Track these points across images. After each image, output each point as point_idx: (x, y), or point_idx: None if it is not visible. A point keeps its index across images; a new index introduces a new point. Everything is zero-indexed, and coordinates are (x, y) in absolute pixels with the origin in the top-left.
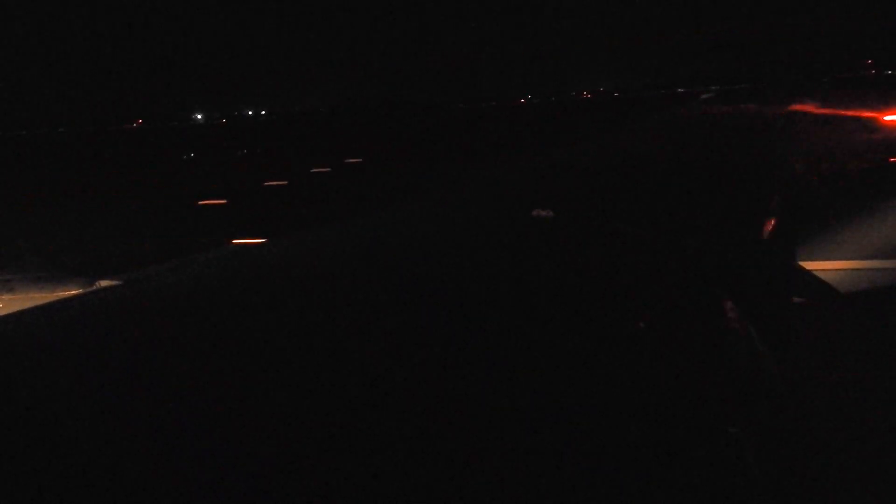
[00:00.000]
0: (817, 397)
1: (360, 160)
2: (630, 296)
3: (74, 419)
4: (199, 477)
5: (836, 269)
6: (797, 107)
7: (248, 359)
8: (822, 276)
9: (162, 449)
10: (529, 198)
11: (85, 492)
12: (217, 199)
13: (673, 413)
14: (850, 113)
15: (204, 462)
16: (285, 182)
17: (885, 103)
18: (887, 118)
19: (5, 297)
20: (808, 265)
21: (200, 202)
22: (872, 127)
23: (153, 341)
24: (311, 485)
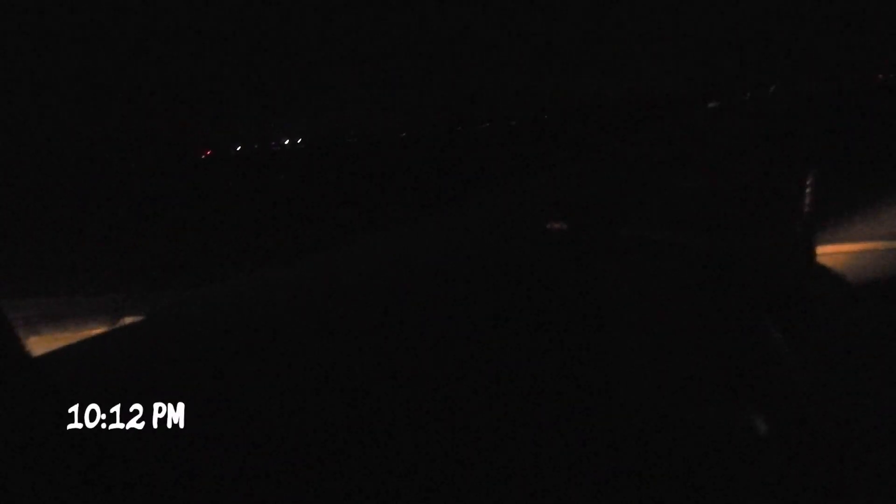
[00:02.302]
0: (834, 390)
1: None
2: (650, 306)
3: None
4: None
5: (844, 252)
6: None
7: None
8: (830, 260)
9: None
10: (543, 209)
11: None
12: None
13: (694, 408)
14: None
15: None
16: None
17: None
18: None
19: (32, 339)
20: (818, 249)
21: None
22: None
23: (178, 381)
24: (311, 486)
